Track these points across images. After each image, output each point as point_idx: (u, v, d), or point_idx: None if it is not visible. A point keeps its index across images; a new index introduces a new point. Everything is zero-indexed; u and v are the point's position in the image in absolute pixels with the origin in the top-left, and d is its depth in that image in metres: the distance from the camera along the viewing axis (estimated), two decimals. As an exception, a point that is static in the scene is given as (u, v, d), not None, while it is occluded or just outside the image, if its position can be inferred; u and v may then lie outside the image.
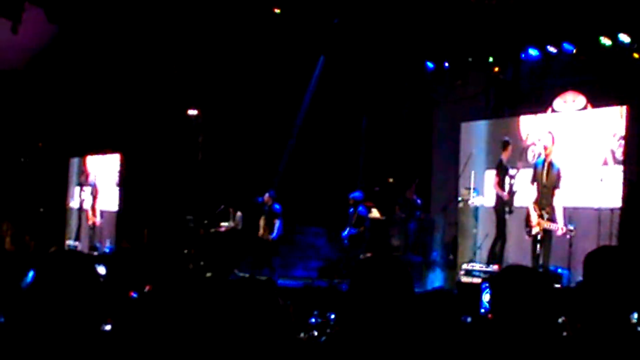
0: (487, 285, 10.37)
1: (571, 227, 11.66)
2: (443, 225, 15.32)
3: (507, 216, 12.99)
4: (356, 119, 17.00)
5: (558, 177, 12.25)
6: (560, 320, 5.82)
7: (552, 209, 12.21)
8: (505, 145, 13.22)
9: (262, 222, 15.20)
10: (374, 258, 4.79)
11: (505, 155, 13.18)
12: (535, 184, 12.46)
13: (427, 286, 13.01)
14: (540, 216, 12.14)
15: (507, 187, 13.07)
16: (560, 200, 12.21)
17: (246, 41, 15.12)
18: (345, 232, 14.70)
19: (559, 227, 11.97)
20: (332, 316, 8.11)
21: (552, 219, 12.14)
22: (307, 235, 16.96)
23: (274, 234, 14.97)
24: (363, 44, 14.93)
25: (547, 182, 12.29)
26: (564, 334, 5.02)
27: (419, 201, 15.34)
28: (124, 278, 4.63)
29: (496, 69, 14.43)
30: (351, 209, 14.72)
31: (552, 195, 12.25)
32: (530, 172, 12.73)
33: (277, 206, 15.08)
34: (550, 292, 3.12)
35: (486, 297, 9.86)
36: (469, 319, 8.37)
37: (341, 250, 15.05)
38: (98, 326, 3.05)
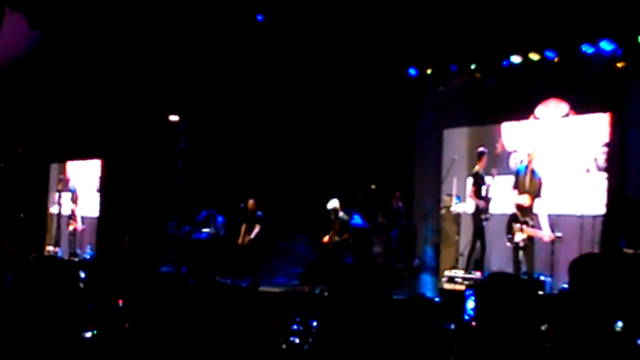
0: (471, 292, 10.36)
1: (558, 235, 11.67)
2: (425, 232, 15.32)
3: (485, 223, 12.96)
4: (338, 125, 16.98)
5: (540, 184, 12.25)
6: (543, 327, 5.81)
7: (535, 216, 12.21)
8: (480, 155, 13.18)
9: (243, 229, 15.17)
10: (353, 265, 4.82)
11: (480, 166, 13.11)
12: (516, 190, 12.44)
13: (409, 293, 12.99)
14: (526, 223, 12.12)
15: (483, 195, 13.01)
16: (544, 207, 12.20)
17: (229, 48, 15.07)
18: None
19: (545, 234, 11.96)
20: (314, 323, 8.07)
21: (536, 226, 12.13)
22: (289, 241, 16.94)
23: (253, 234, 14.97)
24: (346, 49, 14.91)
25: (530, 189, 12.28)
26: (547, 341, 5.01)
27: (402, 208, 15.33)
28: (104, 283, 4.60)
29: (479, 76, 14.43)
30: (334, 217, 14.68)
31: (534, 202, 12.23)
32: (510, 178, 12.71)
33: (259, 213, 15.06)
34: (534, 299, 3.11)
35: (470, 304, 9.85)
36: (452, 326, 8.37)
37: (323, 256, 15.00)
38: (79, 332, 3.04)
